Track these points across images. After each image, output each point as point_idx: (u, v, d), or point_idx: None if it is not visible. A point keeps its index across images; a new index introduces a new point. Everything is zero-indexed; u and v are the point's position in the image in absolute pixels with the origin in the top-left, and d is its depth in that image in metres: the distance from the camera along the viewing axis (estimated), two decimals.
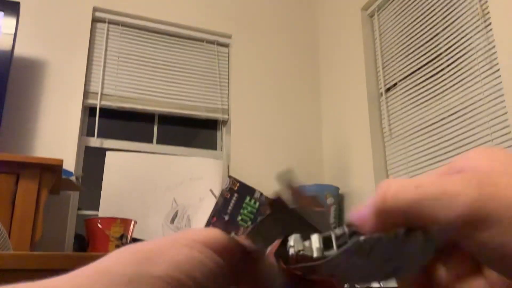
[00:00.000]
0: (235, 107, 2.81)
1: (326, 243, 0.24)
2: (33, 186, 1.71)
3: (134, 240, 2.09)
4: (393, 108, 2.46)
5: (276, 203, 0.26)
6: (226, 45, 2.96)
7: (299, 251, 0.24)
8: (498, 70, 1.82)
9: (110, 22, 2.68)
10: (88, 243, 1.86)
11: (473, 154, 0.22)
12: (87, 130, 2.54)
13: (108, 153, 2.35)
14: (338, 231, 0.24)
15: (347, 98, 2.74)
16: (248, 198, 2.52)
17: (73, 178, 2.02)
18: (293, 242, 0.24)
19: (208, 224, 2.37)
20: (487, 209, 0.19)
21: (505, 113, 1.77)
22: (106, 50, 2.62)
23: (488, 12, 1.89)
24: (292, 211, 0.26)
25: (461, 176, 0.20)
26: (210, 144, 2.84)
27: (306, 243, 0.24)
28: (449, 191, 0.20)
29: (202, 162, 2.51)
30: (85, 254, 1.58)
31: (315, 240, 0.24)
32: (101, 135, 2.53)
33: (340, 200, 2.59)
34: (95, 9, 2.63)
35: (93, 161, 2.47)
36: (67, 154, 2.29)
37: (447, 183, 0.20)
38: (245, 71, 2.91)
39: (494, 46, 1.85)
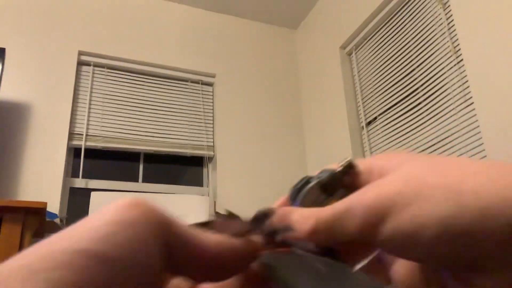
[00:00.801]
0: (221, 144, 2.85)
1: None
2: (16, 230, 1.69)
3: None
4: (374, 141, 2.52)
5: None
6: (210, 84, 3.02)
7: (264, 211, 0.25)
8: (472, 103, 1.89)
9: (95, 65, 2.73)
10: None
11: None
12: (72, 171, 2.53)
13: (93, 194, 2.34)
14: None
15: (330, 133, 2.80)
16: None
17: (57, 220, 2.00)
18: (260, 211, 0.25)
19: None
20: (392, 201, 0.20)
21: (482, 143, 1.83)
22: (91, 92, 2.66)
23: (460, 49, 1.98)
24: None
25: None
26: (196, 180, 2.85)
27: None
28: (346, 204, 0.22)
29: (188, 199, 2.51)
30: None
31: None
32: (86, 175, 2.53)
33: None
34: (80, 53, 2.68)
35: (78, 202, 2.45)
36: (52, 196, 2.27)
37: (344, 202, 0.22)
38: (230, 109, 2.96)
39: (467, 81, 1.93)
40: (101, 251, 0.16)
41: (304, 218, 0.23)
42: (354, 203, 0.22)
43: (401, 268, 0.24)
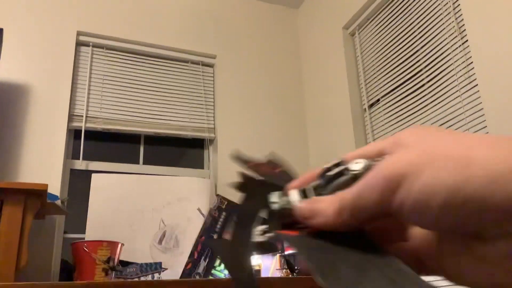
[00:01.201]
0: (221, 126, 2.83)
1: (304, 195, 0.26)
2: (17, 212, 1.69)
3: (121, 262, 2.07)
4: (377, 123, 2.50)
5: (244, 182, 0.28)
6: (211, 65, 2.99)
7: (283, 205, 0.26)
8: (477, 85, 1.87)
9: (94, 45, 2.69)
10: (75, 267, 1.84)
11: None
12: (72, 153, 2.53)
13: (93, 176, 2.33)
14: (314, 183, 0.26)
15: (332, 114, 2.78)
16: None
17: (58, 202, 2.00)
18: (275, 197, 0.26)
19: (197, 244, 2.36)
20: (405, 170, 0.22)
21: (485, 126, 1.82)
22: (90, 73, 2.63)
23: (465, 30, 1.95)
24: (260, 182, 0.27)
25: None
26: (197, 163, 2.85)
27: (285, 198, 0.26)
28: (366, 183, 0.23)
29: (189, 182, 2.51)
30: (70, 283, 1.56)
31: (294, 194, 0.26)
32: (87, 157, 2.52)
33: None
34: (79, 33, 2.65)
35: (78, 184, 2.45)
36: (53, 178, 2.27)
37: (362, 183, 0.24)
38: (230, 90, 2.94)
39: (472, 62, 1.90)
40: None
41: (330, 203, 0.24)
42: (372, 175, 0.23)
43: (417, 239, 0.26)
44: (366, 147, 0.27)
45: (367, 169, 0.24)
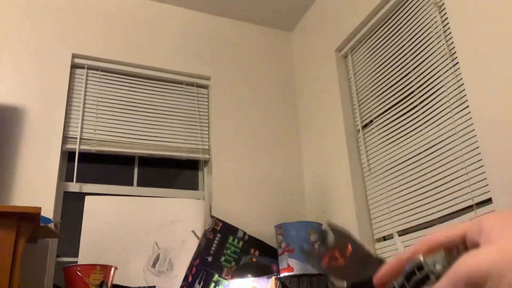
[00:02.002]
0: (216, 147, 2.83)
1: None
2: (10, 235, 1.67)
3: (115, 287, 2.04)
4: (370, 144, 2.52)
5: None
6: (205, 87, 3.01)
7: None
8: (468, 106, 1.90)
9: (89, 68, 2.71)
10: None
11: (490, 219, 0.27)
12: (66, 175, 2.51)
13: (87, 198, 2.32)
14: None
15: (326, 136, 2.80)
16: (231, 238, 2.50)
17: (51, 225, 1.98)
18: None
19: (191, 266, 2.34)
20: (487, 272, 0.23)
21: (477, 147, 1.84)
22: (85, 95, 2.64)
23: (455, 52, 1.99)
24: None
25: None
26: (192, 184, 2.84)
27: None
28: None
29: (183, 203, 2.50)
30: None
31: None
32: (80, 179, 2.51)
33: (323, 236, 2.59)
34: (74, 56, 2.66)
35: (72, 206, 2.43)
36: (46, 200, 2.25)
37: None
38: (225, 111, 2.95)
39: (463, 84, 1.93)
40: None
41: None
42: (452, 276, 0.25)
43: None
44: (450, 232, 0.28)
45: (448, 266, 0.26)
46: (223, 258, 2.44)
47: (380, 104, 2.47)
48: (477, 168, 1.83)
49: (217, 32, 3.15)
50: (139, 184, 2.68)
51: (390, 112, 2.39)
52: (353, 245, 0.33)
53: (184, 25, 3.06)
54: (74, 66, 2.67)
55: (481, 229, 0.26)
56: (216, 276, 2.35)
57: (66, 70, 2.60)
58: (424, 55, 2.19)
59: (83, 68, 2.69)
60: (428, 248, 0.28)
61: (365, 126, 2.59)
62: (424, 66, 2.18)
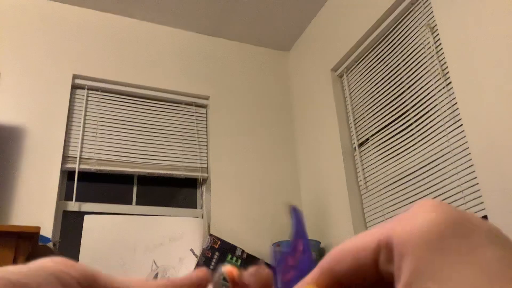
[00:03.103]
0: (215, 166, 2.86)
1: None
2: (9, 255, 1.68)
3: None
4: (367, 161, 2.55)
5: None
6: (204, 106, 3.05)
7: None
8: (462, 125, 1.93)
9: (90, 88, 2.75)
10: None
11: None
12: (65, 194, 2.53)
13: (86, 217, 2.33)
14: None
15: (323, 154, 2.82)
16: (229, 256, 2.51)
17: (50, 245, 1.98)
18: None
19: None
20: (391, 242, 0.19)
21: (472, 165, 1.86)
22: (85, 115, 2.67)
23: (448, 72, 2.03)
24: None
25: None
26: (190, 203, 2.85)
27: None
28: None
29: (182, 222, 2.51)
30: None
31: None
32: (80, 198, 2.52)
33: (321, 254, 2.60)
34: (74, 77, 2.71)
35: (71, 225, 2.44)
36: (45, 219, 2.26)
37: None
38: (223, 130, 2.98)
39: (456, 103, 1.97)
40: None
41: None
42: None
43: None
44: (360, 251, 0.22)
45: None
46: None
47: (375, 123, 2.50)
48: (472, 186, 1.86)
49: (215, 53, 3.21)
50: (138, 203, 2.69)
51: (385, 131, 2.42)
52: None
53: (183, 46, 3.11)
54: (74, 87, 2.71)
55: (398, 257, 0.19)
56: None
57: (66, 91, 2.64)
58: (417, 74, 2.23)
59: (84, 88, 2.73)
60: (328, 275, 0.22)
61: (361, 144, 2.62)
62: (418, 85, 2.23)
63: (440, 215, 0.19)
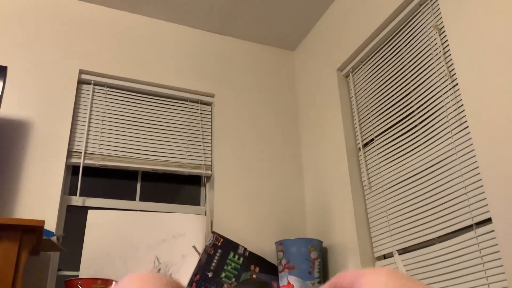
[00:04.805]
0: (218, 163, 2.86)
1: None
2: (13, 248, 1.69)
3: None
4: (371, 162, 2.54)
5: None
6: (209, 104, 3.05)
7: None
8: (467, 127, 1.92)
9: (96, 83, 2.76)
10: None
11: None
12: (69, 188, 2.54)
13: (90, 212, 2.34)
14: None
15: (327, 153, 2.82)
16: (232, 254, 2.51)
17: (54, 239, 1.99)
18: None
19: (191, 282, 2.34)
20: None
21: (477, 167, 1.86)
22: (91, 110, 2.68)
23: (455, 73, 2.02)
24: None
25: None
26: (194, 200, 2.86)
27: None
28: None
29: (185, 218, 2.51)
30: None
31: None
32: (84, 193, 2.53)
33: (323, 253, 2.59)
34: (81, 72, 2.72)
35: (75, 220, 2.45)
36: (49, 214, 2.27)
37: None
38: (228, 128, 2.99)
39: (462, 105, 1.96)
40: None
41: None
42: None
43: None
44: None
45: None
46: (223, 274, 2.44)
47: (380, 123, 2.50)
48: (477, 188, 1.85)
49: (221, 50, 3.21)
50: (141, 199, 2.70)
51: (390, 131, 2.42)
52: None
53: (189, 44, 3.12)
54: (80, 82, 2.72)
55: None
56: None
57: (72, 86, 2.65)
58: (424, 76, 2.22)
59: (90, 84, 2.74)
60: None
61: (365, 145, 2.62)
62: (424, 86, 2.22)
63: (392, 282, 0.25)
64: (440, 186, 2.04)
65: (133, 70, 2.85)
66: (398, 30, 2.45)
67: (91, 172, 2.61)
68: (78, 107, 2.66)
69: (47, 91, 2.57)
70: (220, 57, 3.18)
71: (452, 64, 2.04)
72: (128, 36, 2.93)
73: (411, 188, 2.21)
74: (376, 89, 2.57)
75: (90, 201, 2.53)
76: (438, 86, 2.12)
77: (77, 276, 2.18)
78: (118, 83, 2.81)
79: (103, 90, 2.78)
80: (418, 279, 2.07)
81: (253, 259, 2.56)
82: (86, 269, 2.15)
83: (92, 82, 2.75)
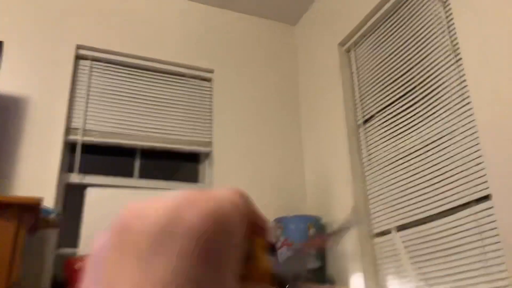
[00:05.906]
0: (218, 140, 2.84)
1: None
2: (11, 226, 1.69)
3: None
4: (371, 139, 2.51)
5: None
6: (208, 80, 3.01)
7: None
8: (470, 102, 1.89)
9: (93, 59, 2.71)
10: (68, 282, 1.83)
11: None
12: (68, 166, 2.53)
13: (88, 190, 2.33)
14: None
15: (327, 130, 2.79)
16: None
17: (52, 216, 2.00)
18: None
19: None
20: None
21: (478, 143, 1.83)
22: (89, 86, 2.65)
23: (458, 48, 1.97)
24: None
25: None
26: (193, 177, 2.85)
27: None
28: None
29: None
30: None
31: None
32: (82, 170, 2.52)
33: (322, 230, 2.60)
34: (78, 47, 2.67)
35: (73, 197, 2.45)
36: (47, 191, 2.27)
37: None
38: (228, 104, 2.95)
39: (465, 80, 1.92)
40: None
41: None
42: None
43: None
44: None
45: None
46: None
47: (382, 99, 2.46)
48: (477, 165, 1.83)
49: (221, 25, 3.14)
50: (140, 176, 2.69)
51: (391, 108, 2.38)
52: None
53: (188, 18, 3.05)
54: (78, 57, 2.68)
55: None
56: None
57: (70, 61, 2.61)
58: (427, 50, 2.17)
59: (87, 59, 2.70)
60: None
61: (366, 121, 2.58)
62: (427, 61, 2.17)
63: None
64: (440, 162, 2.02)
65: (131, 45, 2.80)
66: (401, 3, 2.38)
67: (89, 149, 2.60)
68: (76, 83, 2.63)
69: (44, 67, 2.54)
70: (220, 32, 3.12)
71: (456, 38, 1.99)
72: (126, 11, 2.87)
73: (411, 165, 2.18)
74: (378, 64, 2.52)
75: (89, 179, 2.52)
76: (441, 60, 2.07)
77: (76, 253, 2.20)
78: (116, 58, 2.76)
79: (101, 65, 2.74)
80: (417, 255, 2.07)
81: None
82: (85, 247, 2.16)
83: (90, 57, 2.70)
